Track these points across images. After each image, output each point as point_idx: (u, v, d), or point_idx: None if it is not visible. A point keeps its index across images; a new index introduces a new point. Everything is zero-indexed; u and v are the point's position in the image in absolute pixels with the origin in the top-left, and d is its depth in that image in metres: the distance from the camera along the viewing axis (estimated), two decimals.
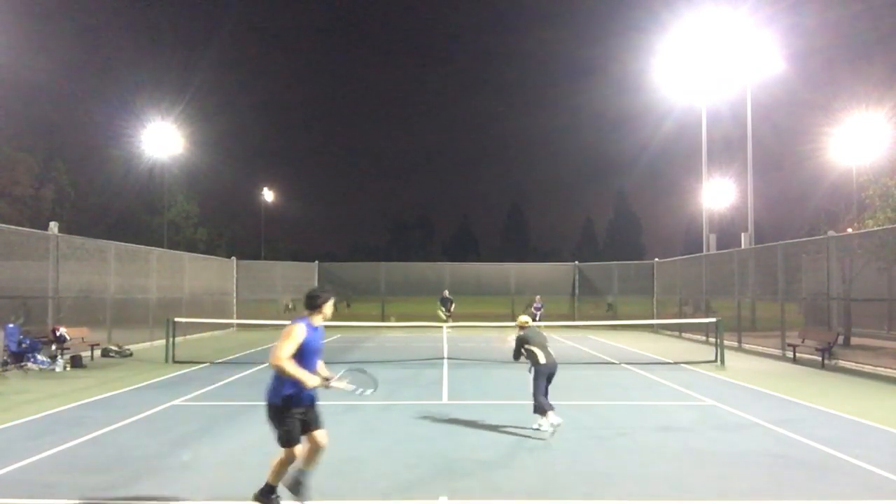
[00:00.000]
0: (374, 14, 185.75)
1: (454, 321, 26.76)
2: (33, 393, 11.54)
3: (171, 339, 16.32)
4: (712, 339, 19.54)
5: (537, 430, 8.42)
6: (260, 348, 20.27)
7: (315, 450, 5.58)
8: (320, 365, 5.74)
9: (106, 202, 56.47)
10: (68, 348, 15.25)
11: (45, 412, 9.73)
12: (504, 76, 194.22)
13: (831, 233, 17.96)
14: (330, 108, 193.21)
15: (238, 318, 27.53)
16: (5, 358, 14.06)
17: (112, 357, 17.21)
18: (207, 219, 67.20)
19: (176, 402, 10.68)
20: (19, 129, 47.53)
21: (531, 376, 8.77)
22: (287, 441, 5.33)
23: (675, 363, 16.61)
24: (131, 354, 17.67)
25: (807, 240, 20.72)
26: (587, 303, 33.71)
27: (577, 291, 33.51)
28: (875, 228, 18.99)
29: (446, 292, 28.75)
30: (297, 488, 5.47)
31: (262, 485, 5.46)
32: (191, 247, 54.27)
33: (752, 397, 11.40)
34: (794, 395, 11.46)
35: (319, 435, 5.62)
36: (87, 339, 16.60)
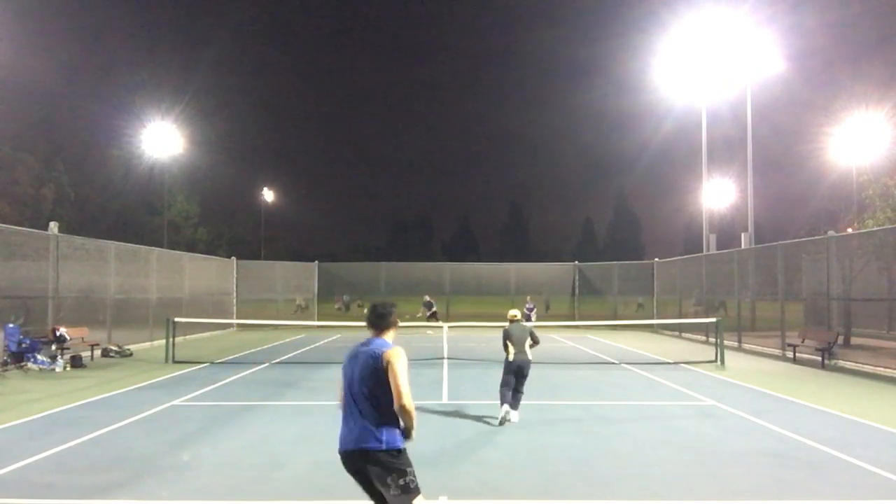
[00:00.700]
0: (373, 14, 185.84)
1: (436, 322, 26.43)
2: (33, 393, 11.54)
3: (171, 339, 16.32)
4: (712, 339, 19.55)
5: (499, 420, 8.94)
6: (260, 348, 20.28)
7: None
8: None
9: (106, 202, 56.45)
10: (68, 348, 15.25)
11: (45, 412, 9.73)
12: (504, 76, 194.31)
13: (831, 233, 17.96)
14: (330, 108, 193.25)
15: (238, 318, 27.53)
16: (5, 358, 14.07)
17: (112, 357, 17.21)
18: (207, 219, 67.17)
19: (176, 402, 10.68)
20: (19, 129, 47.52)
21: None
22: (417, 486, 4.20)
23: (675, 363, 16.61)
24: (131, 354, 17.67)
25: (807, 240, 20.72)
26: (586, 303, 33.72)
27: (577, 291, 33.51)
28: (875, 228, 18.99)
29: (427, 297, 28.33)
30: None
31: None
32: (191, 247, 54.27)
33: (752, 397, 11.40)
34: (794, 395, 11.46)
35: None
36: (87, 339, 16.60)
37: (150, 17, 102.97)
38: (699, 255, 27.64)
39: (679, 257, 31.26)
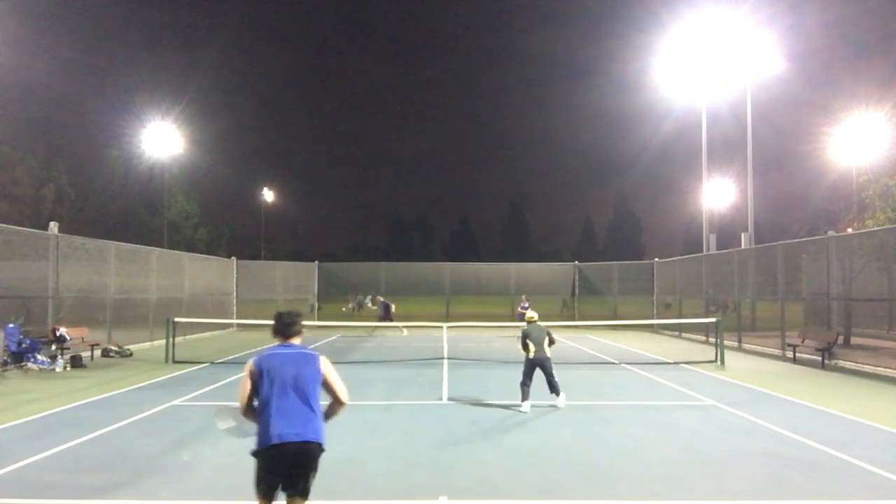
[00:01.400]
0: (373, 14, 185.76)
1: (391, 323, 25.86)
2: (33, 393, 11.54)
3: (171, 339, 16.32)
4: (712, 339, 19.55)
5: (521, 411, 9.80)
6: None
7: None
8: None
9: (106, 202, 56.47)
10: (68, 348, 15.25)
11: (45, 412, 9.73)
12: (504, 76, 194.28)
13: (831, 233, 17.97)
14: (330, 109, 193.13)
15: (238, 318, 27.53)
16: (5, 358, 14.07)
17: (112, 357, 17.21)
18: (207, 219, 67.21)
19: (176, 402, 10.69)
20: (19, 129, 47.54)
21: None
22: None
23: (675, 363, 16.61)
24: (131, 354, 17.67)
25: (807, 240, 20.73)
26: (587, 303, 33.71)
27: (577, 291, 33.51)
28: (875, 228, 18.99)
29: (380, 298, 27.28)
30: None
31: None
32: (191, 247, 54.28)
33: (752, 397, 11.41)
34: (794, 395, 11.46)
35: None
36: (87, 339, 16.60)
37: (150, 17, 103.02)
38: (699, 255, 27.65)
39: (679, 257, 31.28)
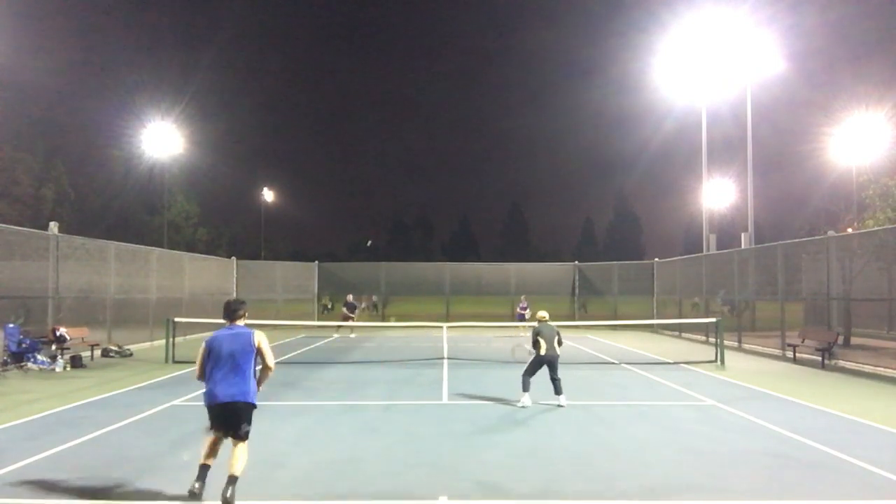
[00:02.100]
0: (373, 14, 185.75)
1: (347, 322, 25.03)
2: (33, 393, 11.54)
3: (171, 339, 16.32)
4: (712, 339, 19.55)
5: (518, 405, 10.10)
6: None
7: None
8: None
9: (106, 202, 56.46)
10: (68, 348, 15.24)
11: (45, 412, 9.73)
12: (504, 76, 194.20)
13: (831, 233, 17.96)
14: (330, 109, 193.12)
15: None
16: (5, 358, 14.06)
17: (112, 357, 17.21)
18: (207, 219, 67.27)
19: (176, 402, 10.69)
20: (19, 129, 47.51)
21: (531, 359, 10.50)
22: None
23: (675, 363, 16.61)
24: (131, 354, 17.67)
25: (807, 240, 20.72)
26: (589, 303, 33.70)
27: (577, 291, 33.51)
28: (875, 228, 19.00)
29: (350, 297, 26.17)
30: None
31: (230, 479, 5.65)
32: (191, 247, 54.31)
33: (752, 397, 11.40)
34: (794, 395, 11.46)
35: None
36: (87, 339, 16.60)
37: (150, 17, 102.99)
38: (699, 255, 27.64)
39: (679, 257, 31.26)
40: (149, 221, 57.42)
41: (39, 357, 14.50)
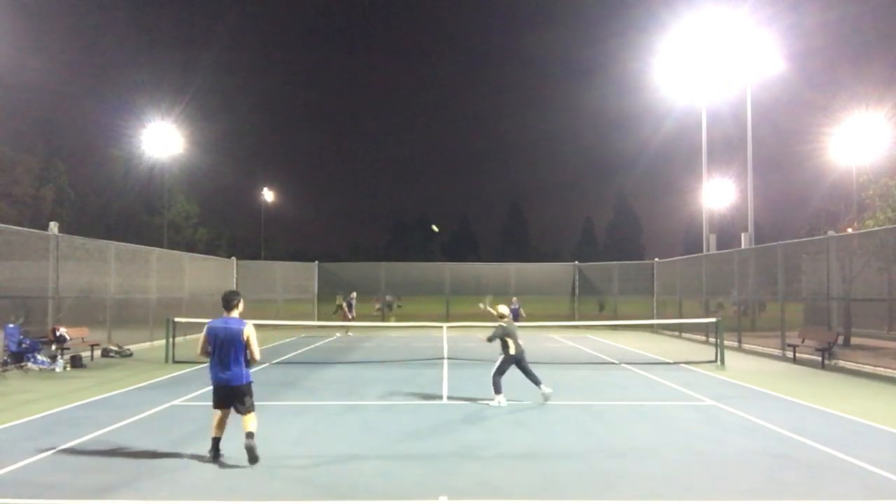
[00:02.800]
0: (373, 14, 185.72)
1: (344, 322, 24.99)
2: (33, 393, 11.54)
3: (171, 339, 16.32)
4: (712, 339, 19.55)
5: (492, 405, 10.10)
6: (260, 348, 20.25)
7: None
8: None
9: (106, 202, 56.49)
10: (68, 348, 15.24)
11: (45, 412, 9.73)
12: (504, 76, 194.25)
13: (831, 233, 17.96)
14: (330, 108, 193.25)
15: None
16: (5, 358, 14.06)
17: (112, 357, 17.21)
18: (207, 219, 67.26)
19: (176, 402, 10.69)
20: (19, 129, 47.56)
21: (499, 360, 10.55)
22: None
23: (675, 363, 16.61)
24: (131, 354, 17.67)
25: (807, 240, 20.71)
26: (587, 303, 33.70)
27: (577, 291, 33.51)
28: (875, 228, 18.98)
29: (354, 295, 26.44)
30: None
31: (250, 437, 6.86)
32: (191, 247, 54.32)
33: (752, 397, 11.40)
34: (794, 395, 11.46)
35: None
36: (87, 339, 16.59)
37: (150, 17, 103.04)
38: (699, 255, 27.63)
39: (679, 257, 31.26)
40: (149, 221, 57.42)
41: (39, 357, 14.50)
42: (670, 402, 11.00)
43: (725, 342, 16.99)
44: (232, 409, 7.07)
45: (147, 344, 20.10)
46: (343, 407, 10.44)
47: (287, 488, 6.19)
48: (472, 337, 24.69)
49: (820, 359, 15.59)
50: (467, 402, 10.68)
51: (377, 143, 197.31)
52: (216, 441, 7.03)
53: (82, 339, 16.30)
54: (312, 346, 21.56)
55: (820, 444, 7.83)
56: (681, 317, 25.41)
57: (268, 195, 63.19)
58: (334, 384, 12.85)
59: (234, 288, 29.54)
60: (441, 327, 24.54)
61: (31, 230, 17.09)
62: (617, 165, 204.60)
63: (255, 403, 7.21)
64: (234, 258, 31.25)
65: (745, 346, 20.46)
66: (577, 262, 35.27)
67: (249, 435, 6.84)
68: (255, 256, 54.25)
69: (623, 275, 32.87)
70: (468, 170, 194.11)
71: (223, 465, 6.92)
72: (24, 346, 14.35)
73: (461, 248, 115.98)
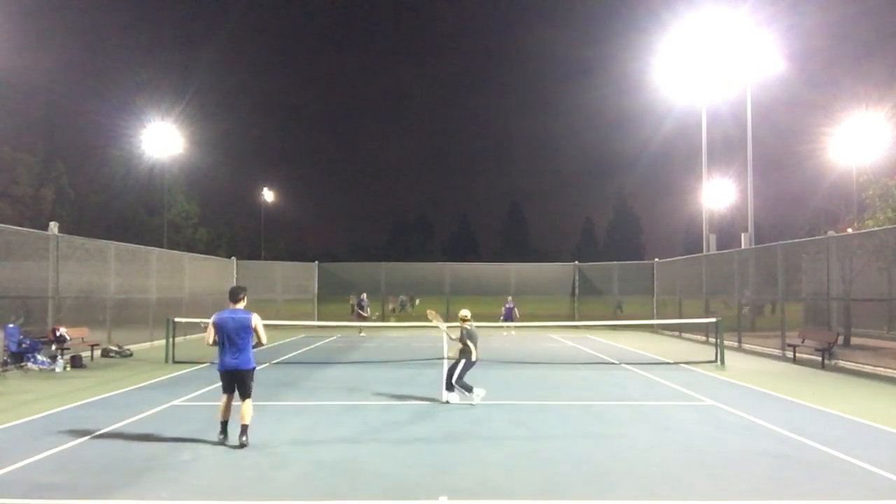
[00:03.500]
0: (373, 14, 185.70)
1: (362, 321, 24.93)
2: (33, 393, 11.54)
3: (171, 339, 16.32)
4: (712, 340, 19.55)
5: (476, 402, 10.24)
6: (260, 348, 20.25)
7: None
8: None
9: (106, 202, 56.47)
10: (68, 348, 15.24)
11: (45, 412, 9.73)
12: (504, 76, 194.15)
13: (831, 233, 17.96)
14: (329, 108, 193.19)
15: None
16: (5, 358, 14.06)
17: (112, 357, 17.21)
18: (207, 219, 67.19)
19: (176, 402, 10.69)
20: (19, 129, 47.54)
21: (462, 364, 10.48)
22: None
23: (675, 363, 16.61)
24: (131, 354, 17.67)
25: (807, 240, 20.70)
26: (587, 303, 33.70)
27: (577, 291, 33.51)
28: (875, 228, 18.98)
29: (364, 295, 26.48)
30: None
31: (243, 430, 7.59)
32: (191, 247, 54.28)
33: (752, 397, 11.40)
34: (794, 395, 11.46)
35: None
36: (87, 339, 16.59)
37: (150, 18, 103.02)
38: (699, 255, 27.63)
39: (679, 257, 31.26)
40: (149, 221, 57.38)
41: (39, 357, 14.50)
42: (670, 402, 11.00)
43: (725, 342, 16.99)
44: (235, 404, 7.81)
45: (147, 344, 20.10)
46: (343, 407, 10.44)
47: (287, 488, 6.19)
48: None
49: (820, 359, 15.59)
50: (467, 402, 10.67)
51: (377, 143, 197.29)
52: (224, 424, 7.79)
53: (82, 339, 16.30)
54: (312, 346, 21.56)
55: (820, 444, 7.83)
56: (681, 317, 25.42)
57: (268, 195, 63.15)
58: (334, 384, 12.85)
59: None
60: (439, 327, 24.47)
61: (31, 230, 17.09)
62: (617, 165, 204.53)
63: (255, 404, 7.55)
64: (234, 258, 31.25)
65: (745, 346, 20.46)
66: (577, 262, 35.27)
67: (244, 428, 7.60)
68: (255, 256, 54.25)
69: (623, 275, 32.88)
70: (468, 170, 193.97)
71: (223, 465, 6.92)
72: (24, 346, 14.35)
73: (461, 248, 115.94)
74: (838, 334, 16.47)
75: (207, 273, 27.58)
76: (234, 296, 7.98)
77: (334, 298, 34.97)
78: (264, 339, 7.92)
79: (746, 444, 7.91)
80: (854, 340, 18.37)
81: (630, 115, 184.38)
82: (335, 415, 9.81)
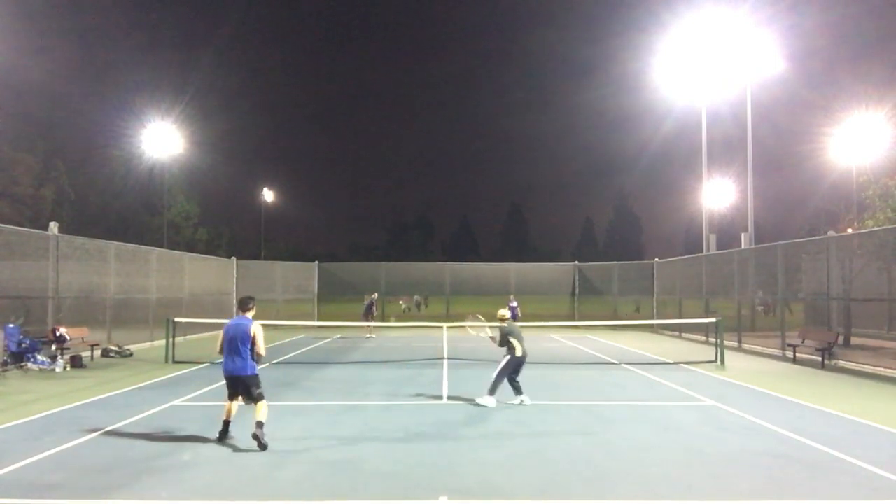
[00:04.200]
0: (373, 14, 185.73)
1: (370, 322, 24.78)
2: (33, 393, 11.54)
3: (171, 339, 16.31)
4: (712, 340, 19.54)
5: (479, 403, 10.21)
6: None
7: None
8: None
9: (106, 202, 56.48)
10: (68, 348, 15.24)
11: (45, 412, 9.73)
12: (504, 76, 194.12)
13: (831, 233, 17.95)
14: (330, 108, 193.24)
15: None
16: (5, 358, 14.06)
17: (112, 357, 17.20)
18: (207, 219, 67.25)
19: (176, 402, 10.68)
20: (19, 129, 47.52)
21: (503, 362, 10.41)
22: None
23: (675, 363, 16.61)
24: (131, 354, 17.66)
25: (807, 240, 20.70)
26: (587, 303, 33.69)
27: (577, 291, 33.50)
28: (875, 228, 18.97)
29: (375, 295, 26.45)
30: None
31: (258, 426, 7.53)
32: (191, 247, 54.30)
33: (752, 397, 11.40)
34: (794, 395, 11.46)
35: None
36: (87, 339, 16.59)
37: (150, 17, 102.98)
38: (699, 255, 27.62)
39: (679, 257, 31.25)
40: (149, 221, 57.39)
41: (39, 357, 14.50)
42: (670, 402, 11.00)
43: (725, 342, 16.99)
44: (243, 405, 7.96)
45: (147, 344, 20.09)
46: (343, 407, 10.44)
47: (287, 488, 6.19)
48: (470, 337, 24.71)
49: (820, 359, 15.59)
50: (467, 403, 10.67)
51: (377, 143, 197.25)
52: (226, 423, 7.91)
53: (82, 339, 16.30)
54: (312, 346, 21.55)
55: (820, 444, 7.83)
56: (681, 317, 25.41)
57: (268, 195, 63.15)
58: (335, 384, 12.85)
59: (234, 288, 29.66)
60: (441, 327, 24.51)
61: (31, 230, 17.09)
62: (617, 165, 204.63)
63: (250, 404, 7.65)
64: (234, 258, 31.23)
65: (745, 346, 20.45)
66: (577, 262, 35.27)
67: (259, 424, 7.51)
68: (255, 256, 54.24)
69: (623, 275, 32.86)
70: (468, 170, 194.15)
71: (223, 465, 6.92)
72: (24, 346, 14.35)
73: (461, 248, 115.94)
74: (838, 334, 16.47)
75: (207, 273, 27.58)
76: (244, 305, 8.16)
77: (334, 298, 35.00)
78: (262, 350, 7.92)
79: (746, 444, 7.91)
80: (854, 340, 18.37)
81: (630, 115, 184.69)
82: (335, 415, 9.81)
